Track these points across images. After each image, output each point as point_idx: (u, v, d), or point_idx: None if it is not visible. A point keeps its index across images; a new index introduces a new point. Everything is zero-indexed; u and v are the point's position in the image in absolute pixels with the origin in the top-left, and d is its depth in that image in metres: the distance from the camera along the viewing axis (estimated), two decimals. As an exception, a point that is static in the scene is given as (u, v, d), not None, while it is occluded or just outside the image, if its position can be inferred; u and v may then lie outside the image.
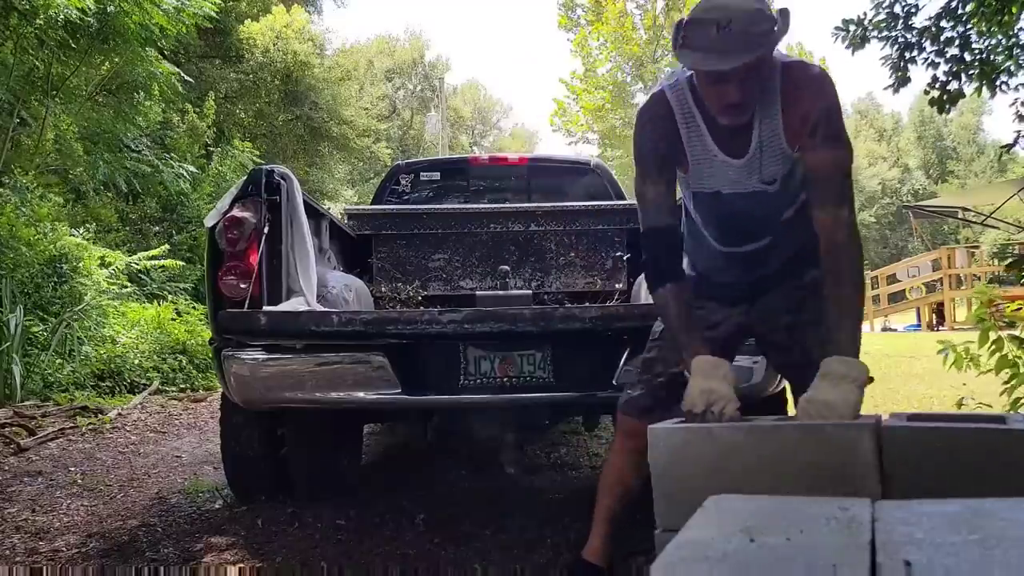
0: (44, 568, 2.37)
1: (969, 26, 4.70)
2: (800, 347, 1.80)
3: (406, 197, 4.84)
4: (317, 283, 2.84)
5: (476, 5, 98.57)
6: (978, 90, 4.87)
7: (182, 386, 6.85)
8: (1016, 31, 4.72)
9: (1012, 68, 4.79)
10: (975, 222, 14.68)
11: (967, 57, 4.77)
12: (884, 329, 15.50)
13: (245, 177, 2.69)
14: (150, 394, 6.31)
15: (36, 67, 8.35)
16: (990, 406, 3.79)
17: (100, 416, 5.14)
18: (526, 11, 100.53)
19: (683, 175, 1.83)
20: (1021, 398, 3.27)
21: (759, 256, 1.85)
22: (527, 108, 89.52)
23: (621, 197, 4.53)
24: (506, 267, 3.88)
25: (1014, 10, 4.47)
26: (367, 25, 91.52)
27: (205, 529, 2.71)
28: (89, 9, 7.34)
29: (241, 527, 2.66)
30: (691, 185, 1.83)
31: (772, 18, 1.58)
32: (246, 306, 2.50)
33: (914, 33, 4.83)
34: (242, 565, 2.31)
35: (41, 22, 7.37)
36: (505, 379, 2.50)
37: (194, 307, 8.33)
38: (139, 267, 8.34)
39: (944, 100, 4.88)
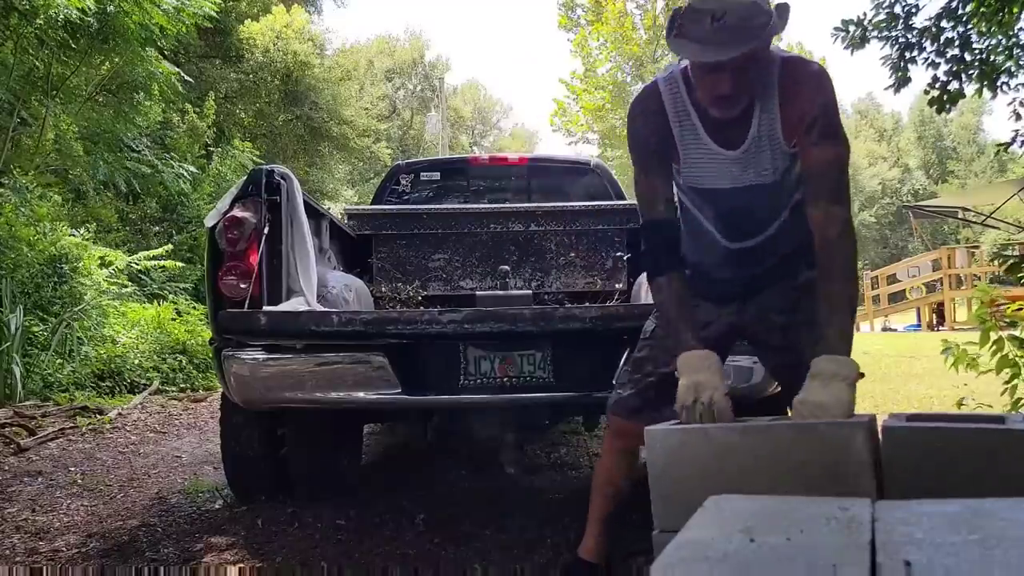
0: (44, 568, 2.37)
1: (969, 26, 4.70)
2: (794, 348, 1.79)
3: (406, 197, 4.84)
4: (317, 283, 2.84)
5: (476, 5, 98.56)
6: (979, 91, 4.87)
7: (182, 386, 6.85)
8: (1016, 31, 4.72)
9: (1012, 69, 4.79)
10: (975, 222, 14.68)
11: (967, 57, 4.77)
12: (884, 329, 15.50)
13: (245, 177, 2.69)
14: (150, 394, 6.31)
15: (36, 67, 8.35)
16: (990, 406, 3.79)
17: (100, 416, 5.14)
18: (526, 11, 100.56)
19: (676, 169, 1.82)
20: (1021, 398, 3.27)
21: (754, 253, 1.84)
22: (527, 108, 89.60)
23: (621, 197, 4.53)
24: (506, 267, 3.88)
25: (1015, 10, 4.47)
26: (367, 25, 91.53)
27: (205, 529, 2.71)
28: (89, 9, 7.34)
29: (241, 527, 2.66)
30: (685, 179, 1.82)
31: (768, 12, 1.57)
32: (246, 306, 2.50)
33: (914, 33, 4.83)
34: (242, 565, 2.31)
35: (41, 22, 7.37)
36: (505, 379, 2.50)
37: (194, 307, 8.34)
38: (139, 267, 8.35)
39: (944, 100, 4.88)
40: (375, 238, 3.91)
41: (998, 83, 4.82)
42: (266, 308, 2.53)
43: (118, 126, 9.74)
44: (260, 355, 2.48)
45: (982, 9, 4.54)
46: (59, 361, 6.21)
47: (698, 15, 1.55)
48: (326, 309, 2.82)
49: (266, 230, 2.58)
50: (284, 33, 16.17)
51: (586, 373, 2.47)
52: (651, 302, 1.99)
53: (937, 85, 4.88)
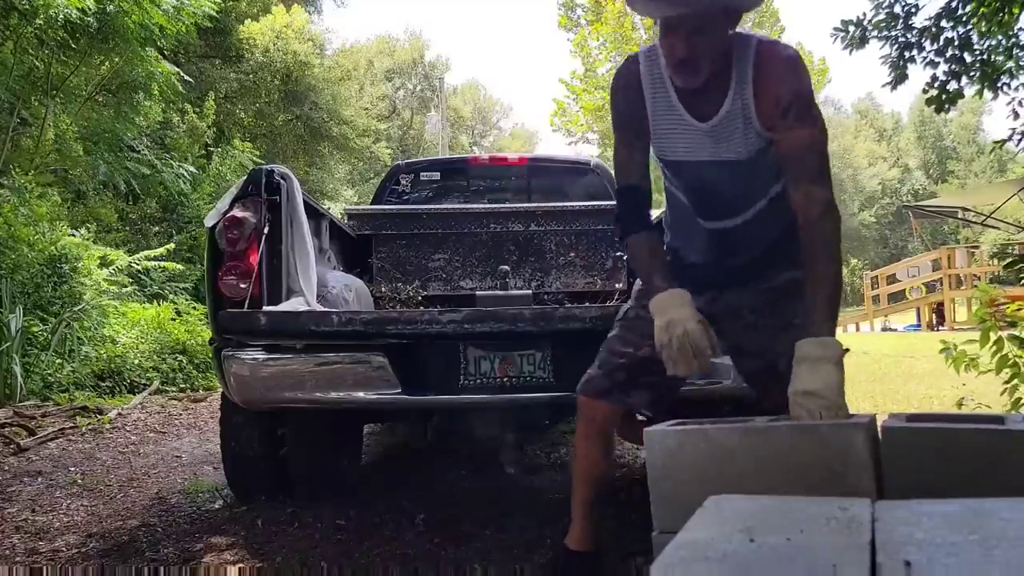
0: (44, 568, 2.37)
1: (969, 26, 4.69)
2: (768, 355, 1.77)
3: (406, 197, 4.84)
4: (317, 283, 2.84)
5: (476, 5, 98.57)
6: (979, 92, 4.87)
7: (182, 386, 6.86)
8: (1016, 31, 4.72)
9: (1013, 69, 4.79)
10: (975, 222, 14.68)
11: (967, 58, 4.77)
12: (884, 329, 15.52)
13: (245, 177, 2.69)
14: (150, 394, 6.31)
15: (36, 67, 8.36)
16: (989, 406, 3.79)
17: (100, 416, 5.14)
18: (526, 11, 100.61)
19: (654, 143, 1.83)
20: (1021, 398, 3.28)
21: (729, 237, 1.83)
22: (527, 108, 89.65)
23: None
24: (506, 267, 3.88)
25: (1015, 10, 4.47)
26: (367, 25, 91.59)
27: (205, 529, 2.71)
28: (89, 9, 7.34)
29: (241, 527, 2.66)
30: (658, 151, 1.83)
31: None
32: (246, 306, 2.50)
33: (914, 33, 4.83)
34: (242, 565, 2.31)
35: (41, 22, 7.37)
36: (505, 379, 2.50)
37: (194, 307, 8.34)
38: (139, 267, 8.35)
39: (942, 100, 4.88)
40: (375, 238, 3.91)
41: (998, 84, 4.82)
42: (266, 308, 2.53)
43: (118, 126, 9.75)
44: (260, 355, 2.48)
45: (982, 9, 4.54)
46: (59, 361, 6.21)
47: None
48: (326, 309, 2.82)
49: (266, 230, 2.58)
50: (284, 33, 16.17)
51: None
52: None
53: (936, 85, 4.88)
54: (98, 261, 7.58)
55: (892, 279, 17.09)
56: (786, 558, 0.78)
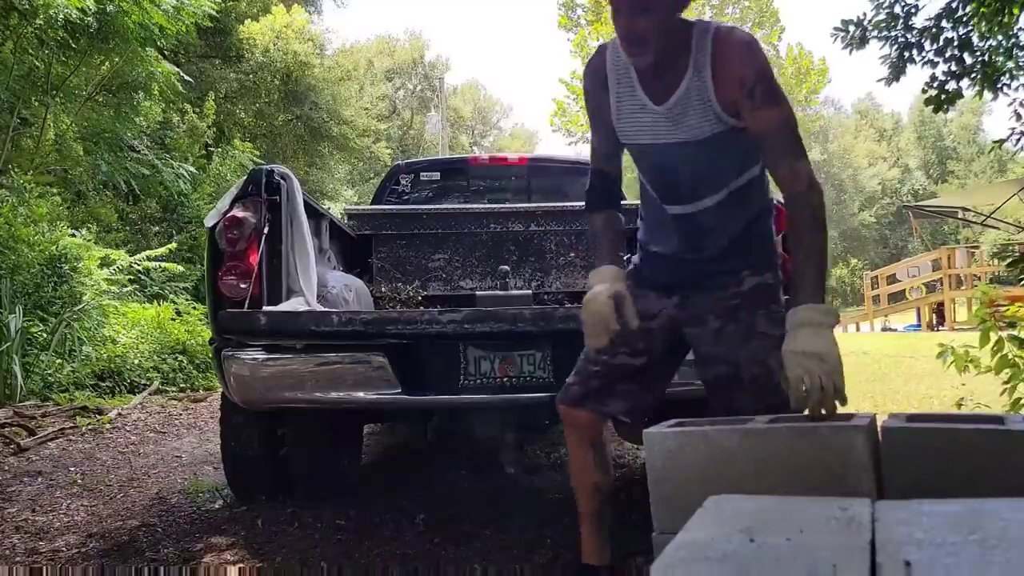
0: (44, 568, 2.37)
1: (969, 27, 4.70)
2: (730, 361, 1.76)
3: (406, 197, 4.84)
4: (317, 283, 2.84)
5: (476, 5, 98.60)
6: (979, 93, 4.87)
7: (182, 386, 6.86)
8: (1016, 31, 4.72)
9: (1013, 70, 4.79)
10: (975, 222, 14.68)
11: (967, 59, 4.77)
12: (884, 329, 15.52)
13: (245, 177, 2.69)
14: (150, 394, 6.31)
15: (36, 67, 8.36)
16: (989, 406, 3.80)
17: (100, 416, 5.14)
18: (526, 11, 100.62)
19: (618, 129, 1.86)
20: (1021, 398, 3.28)
21: (692, 223, 1.83)
22: (527, 108, 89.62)
23: (622, 197, 4.52)
24: (506, 267, 3.88)
25: (1015, 11, 4.47)
26: (367, 25, 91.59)
27: (205, 529, 2.71)
28: (89, 9, 7.34)
29: (241, 527, 2.66)
30: (622, 135, 1.86)
31: None
32: (246, 306, 2.50)
33: (914, 33, 4.83)
34: (242, 565, 2.31)
35: (41, 22, 7.37)
36: (505, 379, 2.50)
37: (194, 307, 8.34)
38: (140, 267, 8.36)
39: (942, 100, 4.88)
40: (375, 238, 3.91)
41: (998, 84, 4.82)
42: (266, 308, 2.53)
43: (118, 126, 9.75)
44: (260, 355, 2.48)
45: (982, 10, 4.54)
46: (59, 361, 6.21)
47: None
48: (326, 309, 2.82)
49: (266, 230, 2.58)
50: (284, 33, 16.17)
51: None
52: None
53: (935, 85, 4.88)
54: (98, 261, 7.58)
55: (892, 279, 17.09)
56: (786, 558, 0.78)
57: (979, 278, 13.65)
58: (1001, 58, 4.77)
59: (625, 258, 2.03)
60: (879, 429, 1.32)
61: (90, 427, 4.84)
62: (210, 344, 2.71)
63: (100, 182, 9.85)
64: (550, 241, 3.93)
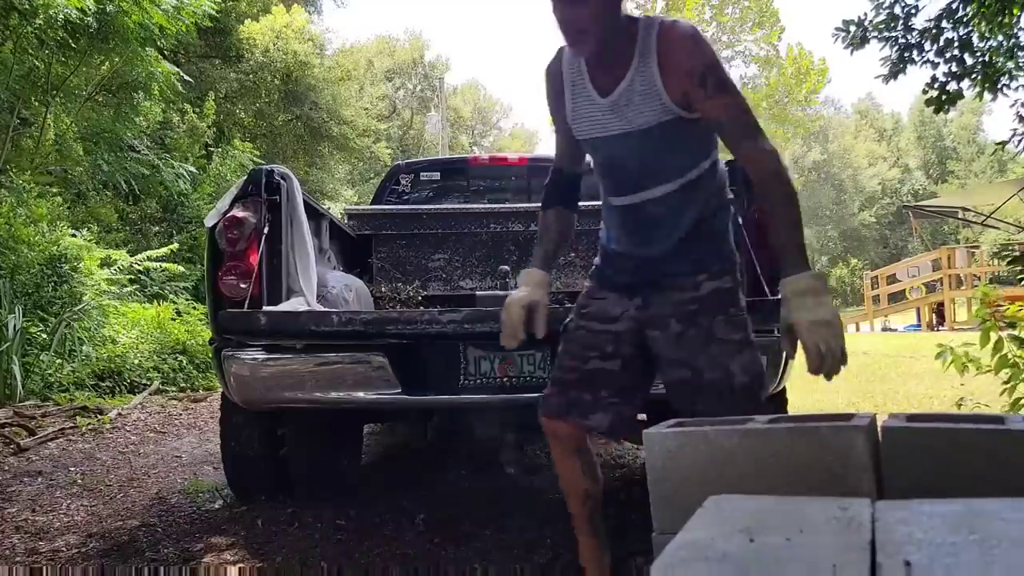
0: (44, 568, 2.37)
1: (970, 28, 4.70)
2: (691, 365, 1.75)
3: (406, 197, 4.84)
4: (317, 283, 2.84)
5: (476, 5, 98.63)
6: (979, 95, 4.87)
7: (182, 386, 6.86)
8: (1016, 32, 4.72)
9: (1013, 71, 4.79)
10: (975, 222, 14.69)
11: (967, 59, 4.78)
12: (884, 329, 15.52)
13: (245, 177, 2.69)
14: (150, 394, 6.31)
15: (36, 67, 8.36)
16: (989, 406, 3.80)
17: (100, 416, 5.14)
18: (526, 11, 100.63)
19: (572, 125, 1.88)
20: (1021, 398, 3.28)
21: (637, 216, 1.84)
22: (527, 108, 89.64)
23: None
24: (506, 267, 3.88)
25: (1015, 11, 4.47)
26: (367, 25, 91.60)
27: (205, 529, 2.71)
28: (89, 9, 7.34)
29: (241, 527, 2.66)
30: (576, 132, 1.88)
31: None
32: (246, 306, 2.50)
33: (914, 34, 4.84)
34: (242, 565, 2.31)
35: (41, 22, 7.37)
36: (505, 379, 2.50)
37: (194, 307, 8.35)
38: (140, 267, 8.36)
39: (943, 101, 4.89)
40: (375, 238, 3.91)
41: (999, 85, 4.82)
42: (266, 308, 2.53)
43: (118, 126, 9.75)
44: (260, 355, 2.48)
45: (982, 10, 4.55)
46: (59, 361, 6.21)
47: None
48: (326, 309, 2.82)
49: (266, 230, 2.58)
50: (284, 33, 16.17)
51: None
52: None
53: (936, 86, 4.88)
54: (99, 262, 7.58)
55: (892, 279, 17.09)
56: (786, 558, 0.78)
57: (979, 278, 13.64)
58: (1001, 59, 4.77)
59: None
60: (879, 429, 1.32)
61: (90, 427, 4.85)
62: (210, 344, 2.71)
63: (100, 182, 9.85)
64: (550, 241, 3.92)
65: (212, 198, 10.49)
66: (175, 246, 8.96)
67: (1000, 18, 4.51)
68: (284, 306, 2.59)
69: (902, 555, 0.74)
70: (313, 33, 17.99)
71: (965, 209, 14.60)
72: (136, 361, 6.70)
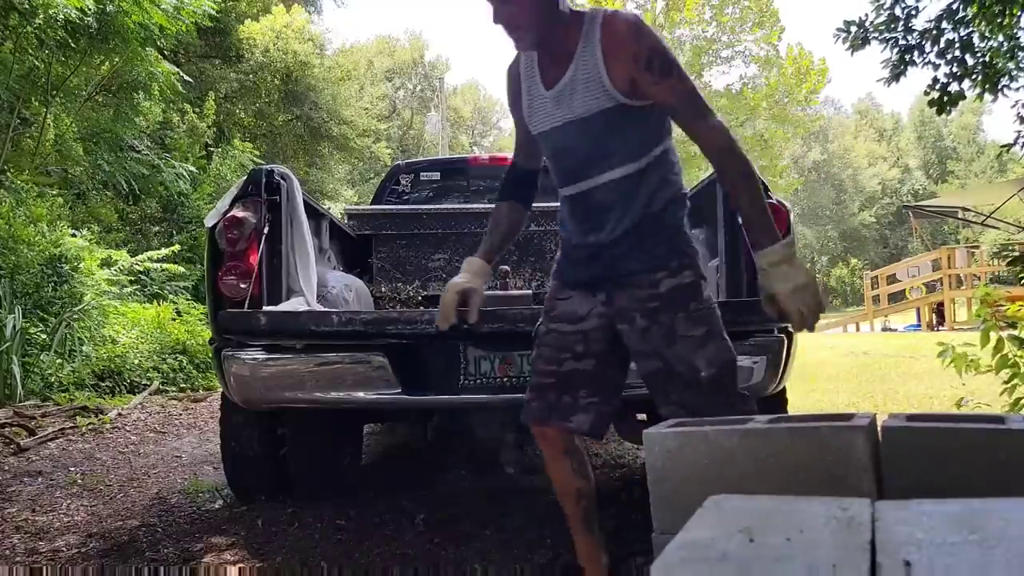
0: (44, 568, 2.37)
1: (970, 28, 4.70)
2: (661, 356, 1.75)
3: (406, 197, 4.84)
4: (317, 283, 2.84)
5: (476, 5, 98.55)
6: (980, 96, 4.87)
7: (182, 386, 6.86)
8: (1016, 32, 4.72)
9: (1014, 71, 4.79)
10: (975, 222, 14.70)
11: (968, 60, 4.78)
12: (884, 329, 15.51)
13: (245, 177, 2.69)
14: (150, 394, 6.31)
15: (36, 67, 8.36)
16: (989, 406, 3.80)
17: (100, 416, 5.14)
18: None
19: (527, 121, 1.91)
20: (1021, 398, 3.28)
21: (584, 204, 1.83)
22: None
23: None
24: (506, 267, 3.87)
25: (1016, 12, 4.47)
26: (367, 25, 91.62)
27: (205, 529, 2.71)
28: (89, 9, 7.34)
29: (241, 527, 2.66)
30: (531, 127, 1.90)
31: None
32: (246, 306, 2.50)
33: (915, 35, 4.84)
34: (242, 565, 2.31)
35: (41, 22, 7.37)
36: (505, 379, 2.50)
37: (194, 307, 8.35)
38: (140, 267, 8.36)
39: (944, 102, 4.89)
40: (375, 238, 3.91)
41: (1000, 86, 4.82)
42: (266, 308, 2.53)
43: (118, 126, 9.75)
44: (260, 355, 2.48)
45: (983, 11, 4.55)
46: (59, 361, 6.21)
47: None
48: (326, 309, 2.82)
49: (266, 230, 2.58)
50: (284, 33, 16.17)
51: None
52: None
53: (937, 87, 4.88)
54: (99, 262, 7.58)
55: (892, 279, 17.09)
56: (786, 558, 0.78)
57: (979, 278, 13.65)
58: (1002, 59, 4.77)
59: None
60: (879, 429, 1.32)
61: (90, 427, 4.85)
62: (210, 344, 2.71)
63: (100, 182, 9.85)
64: (550, 241, 3.93)
65: (212, 198, 10.49)
66: (176, 247, 8.95)
67: (1000, 19, 4.51)
68: (284, 306, 2.59)
69: (902, 555, 0.74)
70: (313, 33, 18.00)
71: (965, 209, 14.60)
72: (136, 361, 6.70)
